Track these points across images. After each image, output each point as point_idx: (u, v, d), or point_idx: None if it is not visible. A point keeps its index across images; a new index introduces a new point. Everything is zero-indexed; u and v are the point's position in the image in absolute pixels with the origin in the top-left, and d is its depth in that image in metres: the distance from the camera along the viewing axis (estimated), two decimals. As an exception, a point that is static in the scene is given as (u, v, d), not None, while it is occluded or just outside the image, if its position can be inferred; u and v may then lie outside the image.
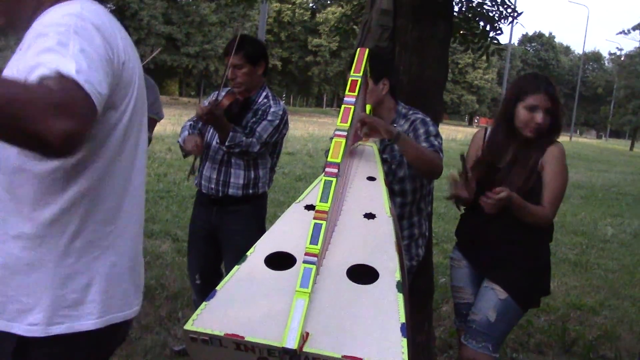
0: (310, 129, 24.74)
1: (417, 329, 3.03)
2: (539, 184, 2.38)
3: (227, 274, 1.55)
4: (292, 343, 1.29)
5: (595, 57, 79.23)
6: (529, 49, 78.34)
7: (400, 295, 1.48)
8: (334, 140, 1.71)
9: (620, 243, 7.74)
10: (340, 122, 1.77)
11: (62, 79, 1.09)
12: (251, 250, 1.65)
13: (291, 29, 51.32)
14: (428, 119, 2.58)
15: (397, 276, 1.55)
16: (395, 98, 2.65)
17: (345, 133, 1.74)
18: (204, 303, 1.44)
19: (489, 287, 2.43)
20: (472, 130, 39.87)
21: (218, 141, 2.83)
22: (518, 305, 2.41)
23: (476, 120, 70.38)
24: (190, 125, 3.04)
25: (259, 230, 2.97)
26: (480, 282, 2.50)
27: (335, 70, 50.83)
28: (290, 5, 50.85)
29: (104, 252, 1.39)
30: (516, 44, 72.69)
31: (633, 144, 48.89)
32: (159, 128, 15.99)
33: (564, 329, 4.10)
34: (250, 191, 2.94)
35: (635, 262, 6.60)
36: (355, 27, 4.44)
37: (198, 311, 1.41)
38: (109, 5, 36.93)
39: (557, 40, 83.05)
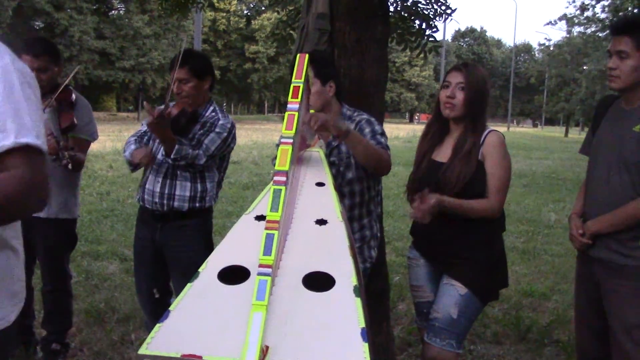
0: (253, 137, 24.62)
1: (375, 330, 3.03)
2: (481, 175, 2.41)
3: (175, 292, 1.51)
4: (252, 358, 1.26)
5: (525, 49, 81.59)
6: (462, 44, 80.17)
7: (358, 300, 1.47)
8: (280, 148, 1.69)
9: (563, 228, 7.96)
10: (286, 130, 1.75)
11: None
12: (203, 266, 1.61)
13: (227, 37, 51.02)
14: (373, 119, 2.60)
15: (354, 281, 1.54)
16: (340, 101, 2.65)
17: (291, 140, 1.72)
18: (157, 324, 1.39)
19: (449, 283, 2.44)
20: (414, 127, 40.70)
21: (163, 154, 2.77)
22: (478, 299, 2.43)
23: (417, 117, 71.53)
24: (135, 140, 2.96)
25: (207, 245, 2.92)
26: (439, 279, 2.52)
27: (274, 76, 50.74)
28: (224, 14, 50.53)
29: None
30: (450, 40, 74.30)
31: (567, 130, 50.58)
32: (97, 146, 15.65)
33: (518, 317, 4.18)
34: (197, 205, 2.88)
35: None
36: (292, 32, 4.43)
37: (152, 333, 1.36)
38: (37, 24, 35.96)
39: (488, 34, 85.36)
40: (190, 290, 1.52)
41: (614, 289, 2.40)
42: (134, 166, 2.85)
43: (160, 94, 40.87)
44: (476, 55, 75.82)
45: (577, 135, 51.18)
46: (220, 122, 2.87)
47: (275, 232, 1.52)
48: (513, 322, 4.10)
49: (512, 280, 5.26)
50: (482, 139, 2.43)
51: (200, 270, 1.59)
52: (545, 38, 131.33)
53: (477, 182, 2.40)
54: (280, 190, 1.60)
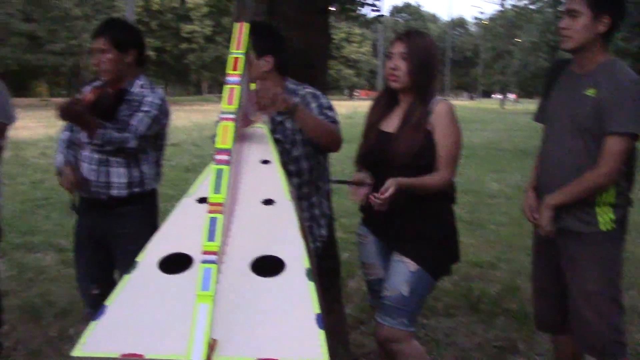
0: (193, 118, 24.19)
1: (327, 310, 2.95)
2: (430, 145, 2.33)
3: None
4: (198, 354, 1.15)
5: (460, 23, 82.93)
6: (399, 19, 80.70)
7: (312, 284, 1.37)
8: (221, 124, 1.56)
9: (506, 197, 8.11)
10: (226, 104, 1.62)
11: None
12: (141, 255, 1.49)
13: (161, 17, 49.70)
14: (319, 92, 2.50)
15: (306, 263, 1.44)
16: (284, 75, 2.53)
17: (232, 116, 1.59)
18: (92, 322, 1.26)
19: (399, 260, 2.37)
20: (354, 104, 40.84)
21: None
22: (430, 275, 2.37)
23: (356, 93, 71.84)
24: (62, 141, 2.76)
25: (152, 230, 2.74)
26: (389, 256, 2.44)
27: (212, 55, 49.86)
28: (158, -8, 49.23)
29: None
30: (387, 15, 74.63)
31: (503, 101, 51.73)
32: (29, 133, 15.06)
33: (468, 289, 4.20)
34: (136, 189, 2.71)
35: (522, 213, 6.85)
36: (229, 2, 4.27)
37: (87, 332, 1.23)
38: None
39: (424, 9, 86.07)
40: (128, 282, 1.40)
41: (572, 256, 2.39)
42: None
43: (96, 78, 39.67)
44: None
45: (512, 106, 52.46)
46: (148, 98, 2.68)
47: (220, 216, 1.39)
48: (464, 294, 4.12)
49: (460, 251, 5.31)
50: (431, 108, 2.35)
51: (138, 259, 1.47)
52: (480, 12, 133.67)
53: (426, 153, 2.33)
54: (223, 169, 1.48)
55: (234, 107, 1.62)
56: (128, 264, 2.23)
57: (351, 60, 64.08)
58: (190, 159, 11.65)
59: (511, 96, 65.15)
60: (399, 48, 2.36)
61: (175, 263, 1.45)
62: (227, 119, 1.59)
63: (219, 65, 50.07)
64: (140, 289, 1.37)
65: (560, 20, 2.36)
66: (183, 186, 8.17)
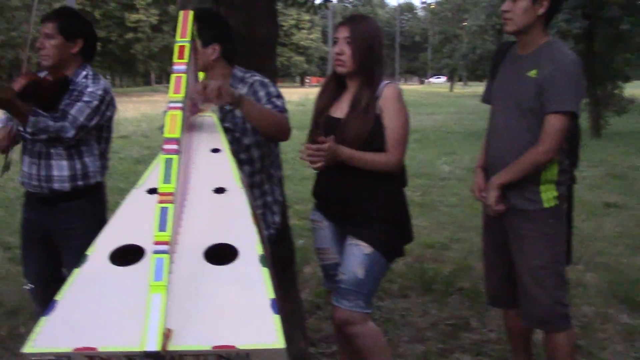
0: (142, 109, 23.74)
1: (283, 297, 2.96)
2: (379, 129, 2.35)
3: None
4: (153, 344, 1.15)
5: (409, 8, 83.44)
6: (347, 4, 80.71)
7: (266, 270, 1.38)
8: (168, 113, 1.55)
9: (457, 179, 8.24)
10: (174, 93, 1.61)
11: None
12: (91, 248, 1.47)
13: (105, 6, 48.40)
14: (267, 80, 2.48)
15: (259, 250, 1.45)
16: (231, 64, 2.51)
17: (180, 105, 1.58)
18: (42, 318, 1.24)
19: (353, 243, 2.39)
20: (306, 91, 40.76)
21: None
22: (384, 257, 2.40)
23: (307, 80, 71.69)
24: (3, 120, 2.68)
25: (99, 225, 2.68)
26: (343, 240, 2.46)
27: (159, 45, 48.91)
28: (100, -19, 47.94)
29: None
30: (335, 1, 74.63)
31: (452, 85, 52.44)
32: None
33: (422, 270, 4.27)
34: (80, 183, 2.65)
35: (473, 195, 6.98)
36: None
37: (37, 329, 1.21)
38: None
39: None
40: (79, 275, 1.38)
41: (518, 233, 2.46)
42: None
43: (37, 70, 38.44)
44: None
45: (461, 89, 53.23)
46: (89, 89, 2.61)
47: (170, 205, 1.39)
48: (417, 275, 4.19)
49: (413, 233, 5.39)
50: (378, 92, 2.38)
51: (88, 253, 1.45)
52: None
53: (375, 137, 2.34)
54: (172, 159, 1.47)
55: (181, 96, 1.61)
56: (75, 260, 2.21)
57: (301, 47, 63.83)
58: (140, 150, 11.46)
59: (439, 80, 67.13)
60: (343, 33, 2.37)
61: (127, 255, 1.43)
62: (174, 107, 1.58)
63: (166, 55, 49.15)
64: (91, 282, 1.36)
65: (502, 4, 2.41)
66: (133, 179, 8.03)
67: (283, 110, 2.42)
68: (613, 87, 14.93)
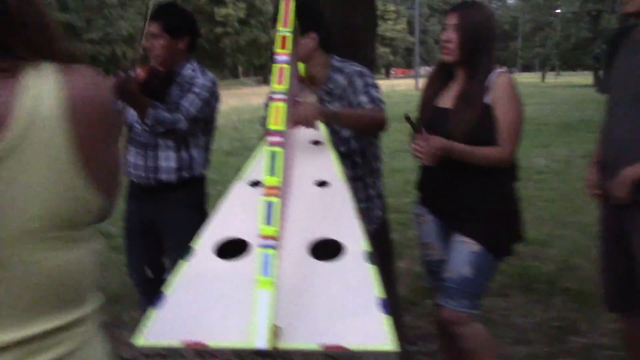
0: (231, 102, 24.24)
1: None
2: (489, 121, 2.24)
3: (170, 269, 1.36)
4: (263, 342, 1.12)
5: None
6: (434, -6, 79.33)
7: (373, 267, 1.33)
8: (272, 105, 1.52)
9: (554, 172, 7.89)
10: (277, 84, 1.57)
11: None
12: (197, 240, 1.46)
13: (196, 1, 49.86)
14: (365, 70, 2.42)
15: (365, 246, 1.40)
16: (329, 52, 2.47)
17: (283, 96, 1.54)
18: (153, 311, 1.24)
19: (460, 240, 2.28)
20: (391, 82, 40.41)
21: (140, 122, 2.57)
22: (492, 256, 2.29)
23: (393, 72, 71.13)
24: None
25: (201, 217, 2.73)
26: (448, 236, 2.36)
27: (246, 38, 49.85)
28: (191, -23, 49.32)
29: None
30: (421, -9, 73.54)
31: (544, 75, 50.57)
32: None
33: (522, 267, 4.09)
34: (186, 174, 2.69)
35: (572, 189, 6.65)
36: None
37: (148, 322, 1.21)
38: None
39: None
40: (186, 268, 1.37)
41: None
42: None
43: (134, 66, 40.07)
44: (448, 4, 75.19)
45: (553, 79, 51.23)
46: (199, 81, 2.65)
47: (276, 199, 1.36)
48: (518, 273, 4.01)
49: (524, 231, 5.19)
50: (489, 82, 2.26)
51: (194, 245, 1.44)
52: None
53: (485, 129, 2.23)
54: (277, 152, 1.44)
55: (284, 87, 1.57)
56: (178, 250, 2.24)
57: (387, 38, 63.37)
58: (231, 142, 11.66)
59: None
60: (452, 20, 2.27)
61: (232, 248, 1.42)
62: (278, 99, 1.54)
63: (254, 49, 50.05)
64: (197, 275, 1.35)
65: None
66: (225, 170, 8.21)
67: (379, 101, 2.36)
68: None
